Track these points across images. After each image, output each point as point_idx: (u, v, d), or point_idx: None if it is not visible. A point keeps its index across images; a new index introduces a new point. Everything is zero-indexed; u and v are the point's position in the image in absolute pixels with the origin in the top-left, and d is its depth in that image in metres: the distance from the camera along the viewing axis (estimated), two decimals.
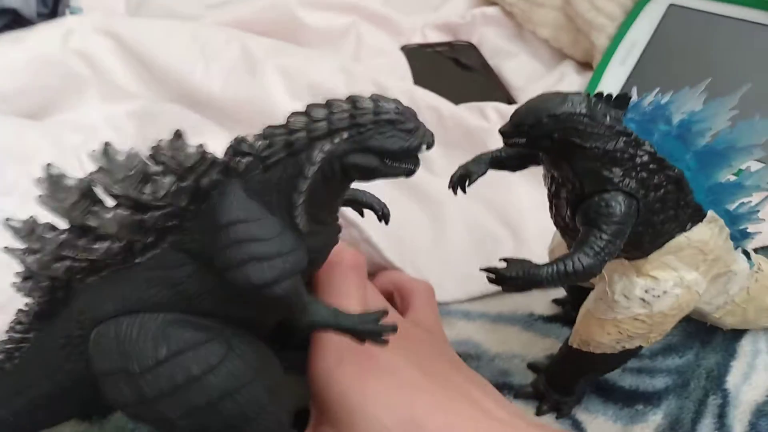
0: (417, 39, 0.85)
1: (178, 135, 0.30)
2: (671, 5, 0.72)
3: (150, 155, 0.31)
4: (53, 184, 0.30)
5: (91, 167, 0.31)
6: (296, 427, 0.37)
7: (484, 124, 0.63)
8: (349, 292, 0.40)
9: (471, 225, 0.58)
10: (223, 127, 0.65)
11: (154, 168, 0.31)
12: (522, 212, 0.59)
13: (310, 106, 0.31)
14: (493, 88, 0.78)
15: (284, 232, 0.31)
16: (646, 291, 0.38)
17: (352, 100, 0.31)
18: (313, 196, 0.31)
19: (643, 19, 0.73)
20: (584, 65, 0.80)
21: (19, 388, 0.36)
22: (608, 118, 0.32)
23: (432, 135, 0.32)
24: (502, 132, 0.34)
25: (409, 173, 0.32)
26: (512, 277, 0.33)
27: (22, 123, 0.59)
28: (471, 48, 0.84)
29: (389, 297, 0.47)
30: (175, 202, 0.31)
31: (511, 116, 0.34)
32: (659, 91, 0.34)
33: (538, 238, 0.57)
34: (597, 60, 0.75)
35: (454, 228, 0.58)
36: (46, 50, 0.63)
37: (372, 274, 0.53)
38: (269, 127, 0.31)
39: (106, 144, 0.30)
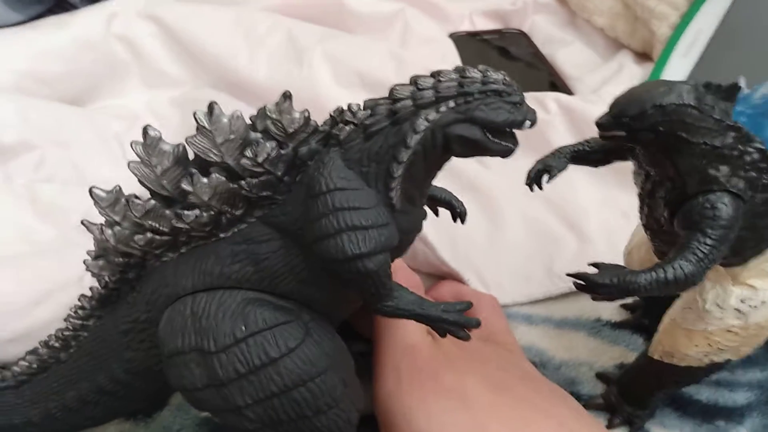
0: (465, 26, 0.82)
1: (286, 96, 0.29)
2: None
3: (252, 121, 0.30)
4: (149, 147, 0.29)
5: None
6: None
7: (545, 115, 0.60)
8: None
9: (529, 223, 0.55)
10: None
11: (254, 134, 0.30)
12: (584, 209, 0.56)
13: (416, 76, 0.29)
14: (546, 78, 0.74)
15: (380, 205, 0.30)
16: (742, 301, 0.35)
17: (460, 70, 0.29)
18: (411, 171, 0.30)
19: (709, 8, 0.69)
20: (642, 56, 0.76)
21: (73, 379, 0.35)
22: (717, 111, 0.29)
23: (535, 112, 0.30)
24: (599, 124, 0.31)
25: (508, 152, 0.30)
26: (606, 284, 0.30)
27: (64, 108, 0.58)
28: (522, 36, 0.81)
29: None
30: (273, 170, 0.30)
31: (611, 106, 0.31)
32: None
33: (602, 237, 0.54)
34: (657, 50, 0.71)
35: (512, 226, 0.55)
36: (89, 35, 0.61)
37: (425, 275, 0.51)
38: (371, 99, 0.30)
39: (213, 103, 0.29)
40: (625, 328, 0.48)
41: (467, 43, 0.79)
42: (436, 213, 0.41)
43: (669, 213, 0.32)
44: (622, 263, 0.44)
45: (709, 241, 0.30)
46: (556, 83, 0.73)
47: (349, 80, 0.62)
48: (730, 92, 0.29)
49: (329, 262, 0.29)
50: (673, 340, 0.37)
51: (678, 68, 0.69)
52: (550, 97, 0.61)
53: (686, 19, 0.70)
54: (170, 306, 0.32)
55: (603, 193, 0.57)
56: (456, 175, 0.57)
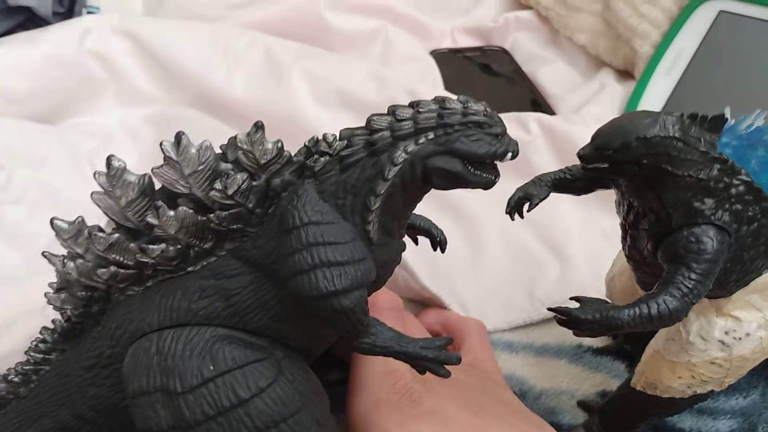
0: (447, 43, 0.82)
1: (258, 127, 0.28)
2: (721, 12, 0.68)
3: (223, 150, 0.29)
4: (113, 178, 0.28)
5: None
6: None
7: (526, 136, 0.59)
8: None
9: (511, 247, 0.54)
10: None
11: (224, 165, 0.29)
12: (566, 231, 0.55)
13: (394, 106, 0.29)
14: (528, 96, 0.74)
15: (356, 239, 0.29)
16: (726, 333, 0.34)
17: (441, 101, 0.28)
18: (389, 203, 0.29)
19: (691, 27, 0.69)
20: (624, 74, 0.76)
21: (34, 416, 0.33)
22: (703, 143, 0.28)
23: (517, 143, 0.30)
24: (581, 156, 0.30)
25: (489, 185, 0.30)
26: (588, 320, 0.29)
27: (34, 127, 0.56)
28: (503, 54, 0.80)
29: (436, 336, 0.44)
30: (244, 203, 0.29)
31: (593, 137, 0.30)
32: (759, 112, 0.30)
33: (585, 261, 0.53)
34: (640, 69, 0.71)
35: (493, 249, 0.54)
36: (62, 51, 0.60)
37: (407, 301, 0.49)
38: (347, 128, 0.29)
39: (180, 133, 0.28)
40: (607, 354, 0.48)
41: (449, 60, 0.78)
42: (416, 241, 0.40)
43: (652, 245, 0.31)
44: (604, 288, 0.44)
45: (693, 276, 0.29)
46: (538, 101, 0.73)
47: (329, 99, 0.61)
48: (716, 123, 0.29)
49: (303, 300, 0.28)
50: (656, 371, 0.36)
51: (660, 87, 0.69)
52: (532, 118, 0.60)
53: (668, 37, 0.70)
54: (135, 343, 0.30)
55: (585, 214, 0.57)
56: (437, 197, 0.55)
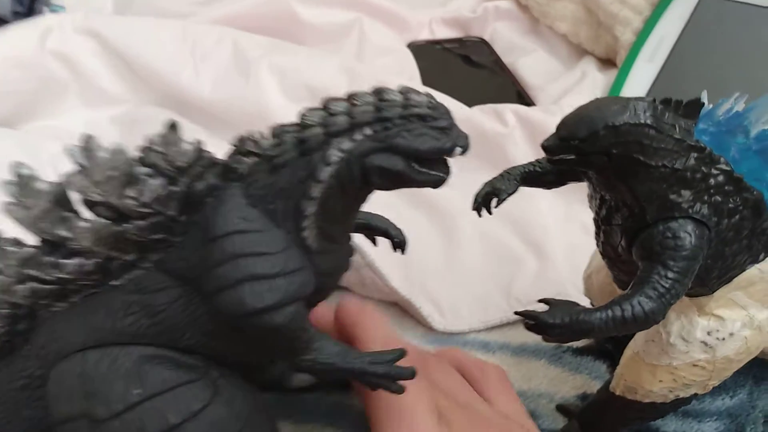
0: (425, 35, 0.79)
1: (172, 127, 0.25)
2: None
3: (139, 154, 0.26)
4: (22, 187, 0.25)
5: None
6: None
7: (502, 128, 0.57)
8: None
9: (487, 242, 0.52)
10: (214, 133, 0.60)
11: (142, 168, 0.26)
12: (545, 227, 0.53)
13: (326, 99, 0.26)
14: (509, 87, 0.72)
15: (289, 248, 0.26)
16: (708, 333, 0.32)
17: (378, 92, 0.26)
18: (326, 206, 0.26)
19: (673, 12, 0.67)
20: (606, 62, 0.74)
21: None
22: (678, 130, 0.26)
23: (467, 137, 0.26)
24: (545, 147, 0.28)
25: (438, 182, 0.27)
26: (556, 324, 0.27)
27: None
28: (483, 44, 0.78)
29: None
30: (163, 210, 0.26)
31: (558, 127, 0.28)
32: (738, 96, 0.28)
33: (564, 256, 0.51)
34: (622, 57, 0.69)
35: (469, 246, 0.52)
36: (21, 51, 0.57)
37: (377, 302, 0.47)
38: (279, 124, 0.26)
39: (88, 137, 0.25)
40: (588, 354, 0.45)
41: (427, 52, 0.76)
42: (374, 242, 0.37)
43: (626, 242, 0.29)
44: (582, 280, 0.42)
45: (671, 274, 0.27)
46: (519, 92, 0.71)
47: (298, 94, 0.59)
48: (692, 109, 0.27)
49: (229, 318, 0.25)
50: (635, 375, 0.34)
51: (643, 74, 0.67)
52: (509, 109, 0.58)
53: (650, 24, 0.68)
54: (59, 364, 0.28)
55: (564, 207, 0.55)
56: (409, 191, 0.53)
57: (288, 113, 0.57)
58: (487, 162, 0.58)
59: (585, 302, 0.43)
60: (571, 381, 0.44)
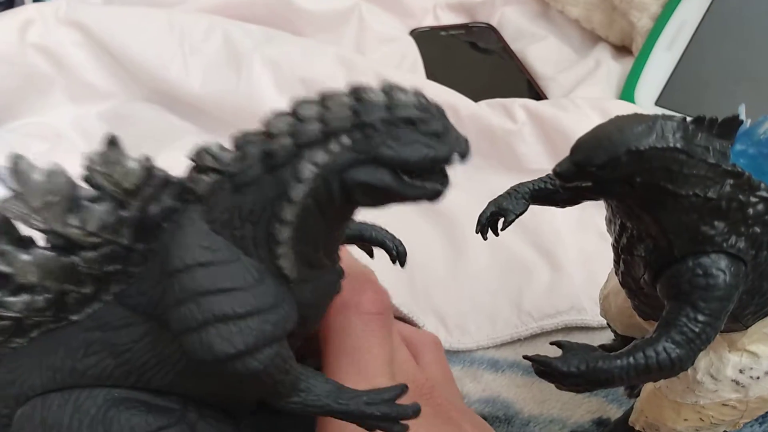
0: (428, 21, 0.75)
1: (112, 142, 0.22)
2: None
3: (86, 174, 0.22)
4: None
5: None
6: None
7: (511, 125, 0.54)
8: (370, 347, 0.31)
9: (496, 250, 0.49)
10: (205, 129, 0.57)
11: (87, 191, 0.22)
12: (558, 233, 0.50)
13: (297, 102, 0.22)
14: (517, 77, 0.68)
15: (263, 280, 0.22)
16: (741, 371, 0.29)
17: (356, 91, 0.22)
18: (304, 230, 0.22)
19: None
20: (621, 49, 0.70)
21: None
22: (712, 153, 0.23)
23: (466, 141, 0.22)
24: (558, 174, 0.24)
25: (435, 196, 0.23)
26: (572, 373, 0.24)
27: None
28: (490, 30, 0.74)
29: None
30: (115, 239, 0.23)
31: (572, 150, 0.24)
32: None
33: (578, 265, 0.48)
34: (638, 44, 0.65)
35: (476, 254, 0.49)
36: (1, 46, 0.54)
37: None
38: (243, 133, 0.22)
39: (17, 157, 0.21)
40: None
41: (431, 39, 0.72)
42: (371, 254, 0.34)
43: (650, 276, 0.26)
44: (599, 300, 0.38)
45: (701, 317, 0.24)
46: (528, 83, 0.67)
47: (293, 88, 0.55)
48: (728, 128, 0.23)
49: (199, 363, 0.22)
50: (657, 411, 0.31)
51: (661, 63, 0.63)
52: (518, 104, 0.54)
53: (669, 9, 0.64)
54: (20, 409, 0.25)
55: (578, 212, 0.51)
56: None
57: (282, 109, 0.54)
58: (495, 161, 0.54)
59: (600, 320, 0.40)
60: (586, 404, 0.41)
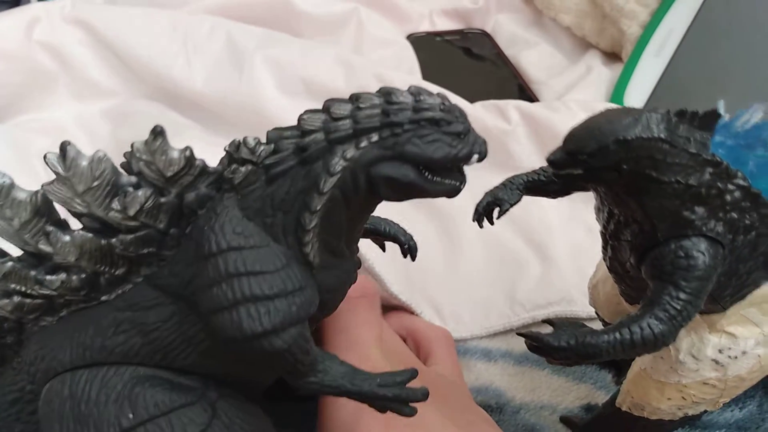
0: (425, 27, 0.77)
1: (157, 133, 0.23)
2: None
3: (124, 161, 0.24)
4: (1, 197, 0.24)
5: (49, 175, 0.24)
6: None
7: (505, 125, 0.55)
8: (357, 325, 0.34)
9: (489, 244, 0.51)
10: (206, 127, 0.59)
11: (127, 178, 0.24)
12: (549, 227, 0.52)
13: (330, 101, 0.24)
14: (510, 81, 0.70)
15: (290, 265, 0.24)
16: (720, 351, 0.30)
17: (386, 93, 0.24)
18: (329, 219, 0.24)
19: (681, 4, 0.65)
20: (612, 56, 0.72)
21: None
22: (693, 143, 0.25)
23: (484, 142, 0.24)
24: (551, 161, 0.26)
25: (453, 192, 0.25)
26: (561, 347, 0.26)
27: None
28: (484, 37, 0.77)
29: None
30: (152, 223, 0.24)
31: (565, 139, 0.26)
32: (757, 107, 0.26)
33: (569, 258, 0.50)
34: (628, 50, 0.67)
35: (470, 248, 0.50)
36: (7, 43, 0.56)
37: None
38: (276, 129, 0.24)
39: (65, 144, 0.23)
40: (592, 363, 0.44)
41: (427, 44, 0.74)
42: (383, 248, 0.36)
43: (636, 259, 0.28)
44: (588, 289, 0.40)
45: (682, 296, 0.25)
46: (521, 87, 0.69)
47: (294, 88, 0.57)
48: (708, 120, 0.25)
49: (226, 341, 0.24)
50: (643, 391, 0.33)
51: (650, 69, 0.65)
52: (512, 106, 0.56)
53: (657, 17, 0.66)
54: (48, 383, 0.27)
55: (568, 207, 0.53)
56: None
57: (283, 107, 0.56)
58: (489, 159, 0.55)
59: (590, 310, 0.42)
60: (575, 391, 0.43)
